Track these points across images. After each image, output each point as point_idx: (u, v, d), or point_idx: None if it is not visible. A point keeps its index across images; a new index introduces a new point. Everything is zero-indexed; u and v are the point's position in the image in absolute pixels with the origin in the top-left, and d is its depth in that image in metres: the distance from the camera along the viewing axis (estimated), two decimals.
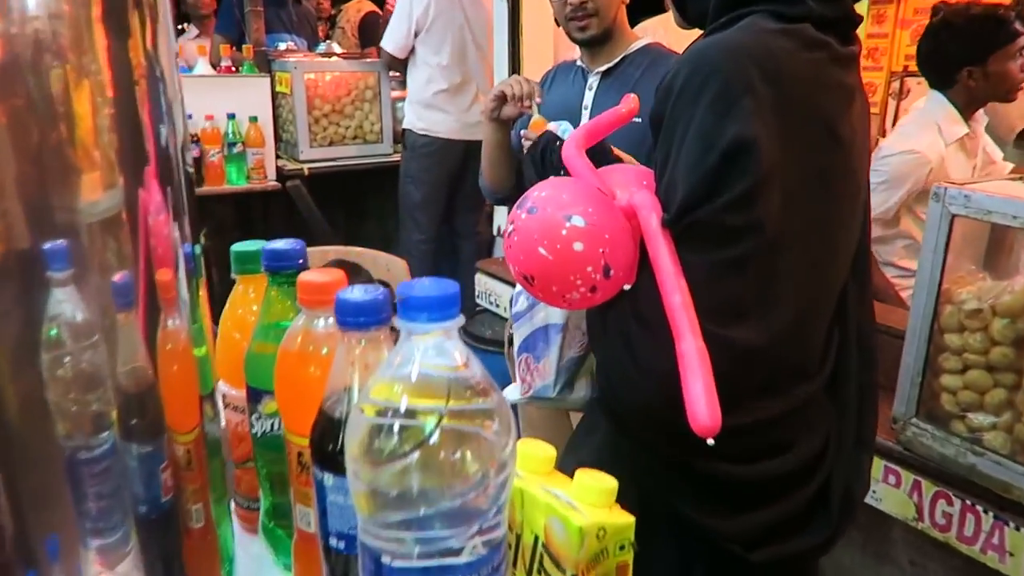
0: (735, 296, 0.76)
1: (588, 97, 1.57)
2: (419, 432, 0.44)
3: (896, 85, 3.34)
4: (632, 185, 0.85)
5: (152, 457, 0.55)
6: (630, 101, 0.98)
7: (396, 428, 0.45)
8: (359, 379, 0.53)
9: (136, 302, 0.54)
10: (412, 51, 3.32)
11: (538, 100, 1.45)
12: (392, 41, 3.29)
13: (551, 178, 0.87)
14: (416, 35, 3.26)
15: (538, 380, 1.15)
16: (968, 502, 1.36)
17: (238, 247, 0.74)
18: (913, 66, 2.37)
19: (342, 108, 3.61)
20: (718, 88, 0.75)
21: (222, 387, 0.75)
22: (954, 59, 2.00)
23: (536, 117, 1.42)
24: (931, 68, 2.07)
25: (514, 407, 1.51)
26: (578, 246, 0.77)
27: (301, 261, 0.67)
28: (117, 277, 0.53)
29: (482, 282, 2.81)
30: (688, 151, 0.76)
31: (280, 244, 0.67)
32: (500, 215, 3.12)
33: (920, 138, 2.02)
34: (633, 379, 0.80)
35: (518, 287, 1.20)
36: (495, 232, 3.18)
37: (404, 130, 3.39)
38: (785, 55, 0.77)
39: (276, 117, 3.59)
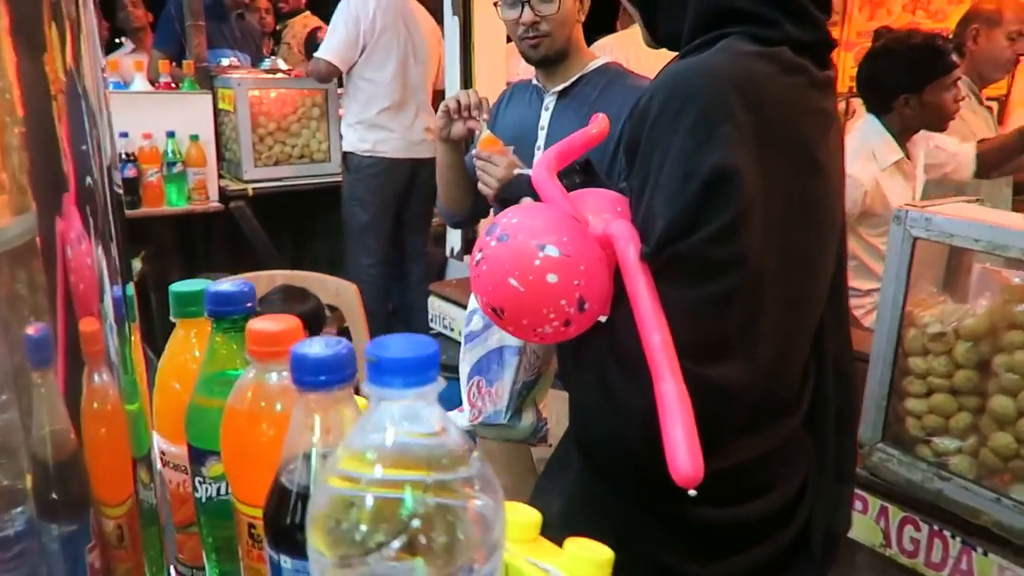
0: (718, 333, 0.73)
1: (544, 117, 1.57)
2: (399, 511, 0.38)
3: (842, 106, 3.44)
4: (605, 211, 0.83)
5: (76, 536, 0.48)
6: (600, 121, 0.97)
7: (371, 506, 0.39)
8: (320, 445, 0.46)
9: (55, 356, 0.47)
10: (349, 70, 3.26)
11: (485, 116, 1.44)
12: (336, 53, 3.18)
13: (522, 203, 0.84)
14: (363, 51, 3.19)
15: (489, 405, 1.11)
16: (935, 527, 1.35)
17: (178, 287, 0.67)
18: None
19: (288, 126, 3.54)
20: (697, 114, 0.73)
21: (160, 443, 0.67)
22: (892, 86, 2.04)
23: (486, 134, 1.41)
24: (869, 92, 2.11)
25: (472, 438, 1.47)
26: (552, 278, 0.74)
27: (249, 304, 0.61)
28: (31, 329, 0.46)
29: (435, 305, 2.78)
30: (667, 180, 0.74)
31: (225, 285, 0.61)
32: (452, 235, 3.08)
33: (854, 163, 2.04)
34: (609, 418, 0.77)
35: (471, 305, 1.17)
36: (448, 253, 3.14)
37: (346, 153, 3.33)
38: (765, 79, 0.75)
39: (219, 135, 3.49)
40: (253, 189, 3.38)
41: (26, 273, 0.45)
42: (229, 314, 0.60)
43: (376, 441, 0.40)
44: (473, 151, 1.42)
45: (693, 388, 0.69)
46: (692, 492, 0.65)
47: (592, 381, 0.79)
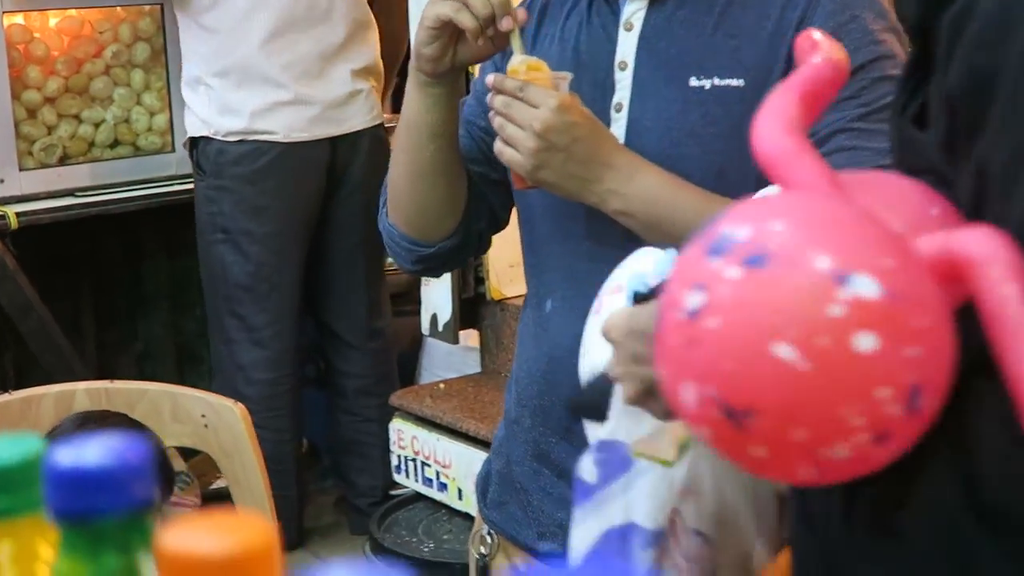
0: None
1: (626, 44, 1.58)
2: None
3: None
4: (905, 213, 0.88)
5: None
6: (826, 48, 1.01)
7: None
8: None
9: None
10: None
11: (521, 19, 1.48)
12: None
13: (773, 194, 0.91)
14: None
15: None
16: None
17: None
18: None
19: (85, 87, 3.58)
20: None
21: None
22: None
23: (520, 57, 1.47)
24: None
25: None
26: (867, 342, 0.78)
27: (143, 490, 0.62)
28: None
29: (405, 436, 2.81)
30: None
31: (95, 449, 0.62)
32: (434, 291, 3.05)
33: None
34: None
35: (599, 434, 1.21)
36: (425, 327, 3.12)
37: (194, 141, 3.34)
38: None
39: None
40: (18, 216, 3.38)
41: None
42: (97, 514, 0.61)
43: None
44: (491, 78, 1.46)
45: None
46: None
47: (925, 561, 0.86)
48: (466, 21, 1.45)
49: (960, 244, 0.80)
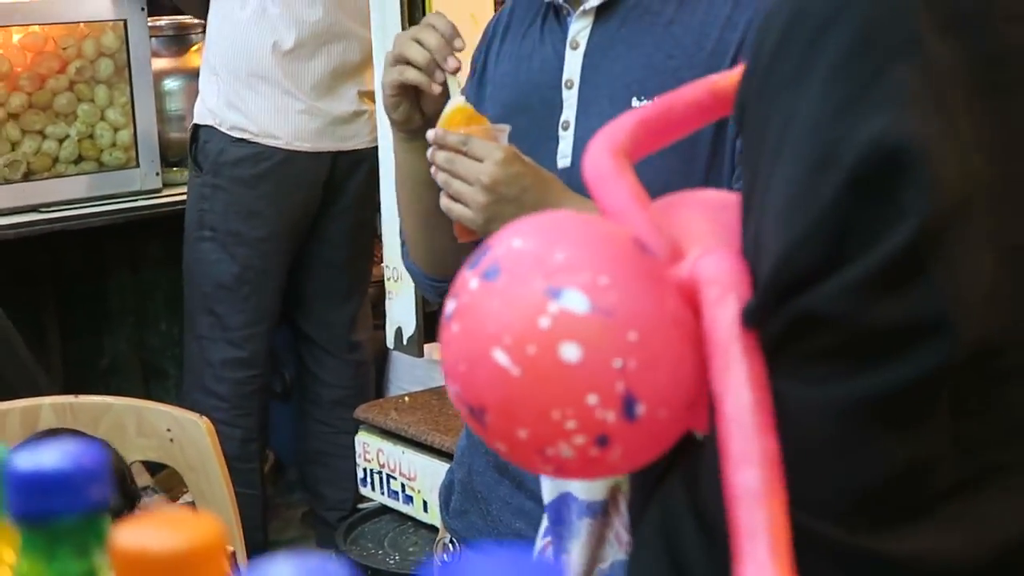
0: (894, 471, 0.78)
1: (572, 62, 1.60)
2: None
3: None
4: (716, 237, 0.89)
5: None
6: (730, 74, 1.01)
7: None
8: None
9: None
10: None
11: (457, 63, 1.51)
12: None
13: (542, 213, 0.92)
14: None
15: None
16: None
17: None
18: None
19: (48, 102, 3.58)
20: (847, 45, 0.78)
21: None
22: None
23: (456, 101, 1.50)
24: None
25: None
26: (570, 352, 0.81)
27: (98, 492, 0.63)
28: None
29: (371, 449, 2.79)
30: (788, 172, 0.80)
31: (51, 455, 0.64)
32: (398, 304, 3.08)
33: None
34: None
35: None
36: (390, 340, 3.14)
37: (197, 129, 3.35)
38: None
39: None
40: None
41: None
42: (56, 515, 0.62)
43: None
44: (430, 134, 1.48)
45: None
46: None
47: (658, 560, 0.87)
48: (413, 77, 1.49)
49: (697, 266, 0.83)
